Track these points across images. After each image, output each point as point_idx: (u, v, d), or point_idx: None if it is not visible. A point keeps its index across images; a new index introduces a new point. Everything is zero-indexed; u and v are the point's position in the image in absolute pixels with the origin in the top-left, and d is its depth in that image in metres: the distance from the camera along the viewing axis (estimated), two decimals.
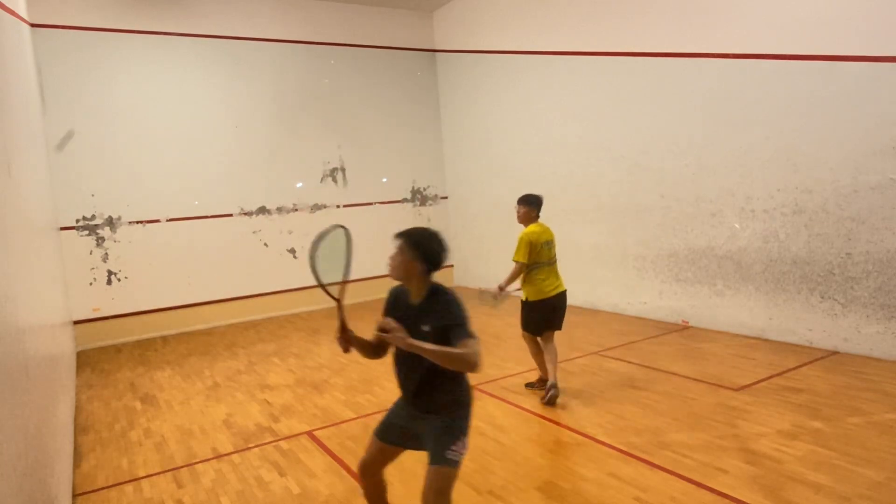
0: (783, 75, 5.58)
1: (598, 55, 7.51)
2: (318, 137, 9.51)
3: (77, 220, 7.76)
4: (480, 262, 9.99)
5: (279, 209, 9.19)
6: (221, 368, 6.37)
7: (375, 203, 10.08)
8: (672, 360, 5.50)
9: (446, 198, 10.84)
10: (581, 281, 7.93)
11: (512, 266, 4.62)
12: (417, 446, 2.50)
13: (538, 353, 4.78)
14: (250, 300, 8.94)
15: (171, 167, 8.31)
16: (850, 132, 5.15)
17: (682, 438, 3.85)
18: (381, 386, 5.35)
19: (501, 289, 4.60)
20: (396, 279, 2.48)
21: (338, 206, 9.71)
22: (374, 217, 9.96)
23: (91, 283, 7.84)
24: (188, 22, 8.43)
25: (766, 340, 5.93)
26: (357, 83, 9.85)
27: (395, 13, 10.20)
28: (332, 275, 2.51)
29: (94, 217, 7.85)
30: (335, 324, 2.54)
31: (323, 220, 9.51)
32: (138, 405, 5.34)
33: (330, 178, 9.65)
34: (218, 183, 8.69)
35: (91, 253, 7.84)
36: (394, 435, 2.56)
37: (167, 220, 8.33)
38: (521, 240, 4.57)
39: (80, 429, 4.82)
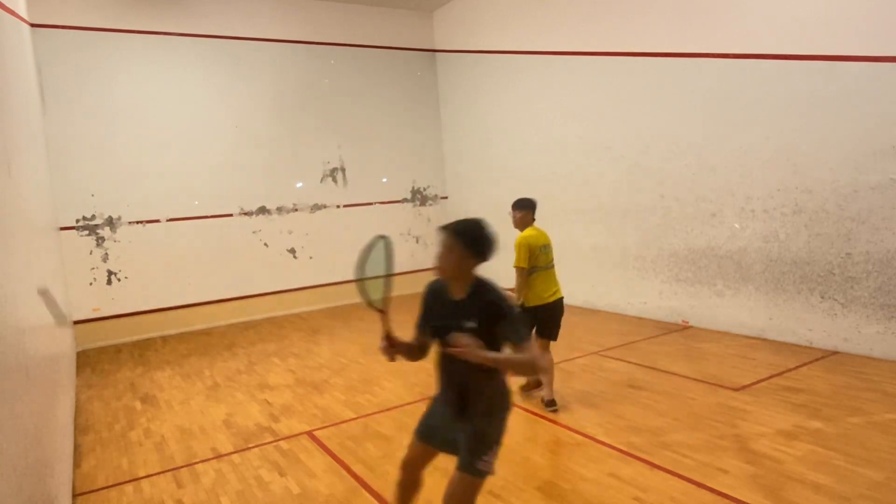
0: (783, 75, 5.58)
1: (598, 55, 7.51)
2: (318, 137, 9.51)
3: (77, 220, 7.76)
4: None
5: (279, 209, 9.19)
6: (221, 368, 6.37)
7: (375, 203, 10.08)
8: (672, 360, 5.50)
9: (446, 198, 10.84)
10: (581, 281, 7.94)
11: (513, 273, 4.45)
12: (453, 450, 2.40)
13: None
14: (250, 300, 8.94)
15: (171, 167, 8.31)
16: (850, 132, 5.15)
17: (682, 438, 3.85)
18: (381, 386, 5.35)
19: (518, 301, 4.42)
20: (447, 278, 2.35)
21: (338, 207, 9.71)
22: (374, 217, 9.97)
23: (91, 283, 7.84)
24: (188, 22, 8.43)
25: (766, 340, 5.93)
26: (357, 83, 9.85)
27: (395, 13, 10.20)
28: (375, 286, 2.44)
29: (94, 217, 7.86)
30: (379, 333, 2.44)
31: (323, 220, 9.53)
32: (138, 405, 5.34)
33: (330, 178, 9.65)
34: (218, 183, 8.69)
35: (91, 253, 7.85)
36: (432, 437, 2.49)
37: (167, 220, 8.33)
38: (518, 245, 4.41)
39: (80, 429, 4.82)
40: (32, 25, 7.29)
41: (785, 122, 5.61)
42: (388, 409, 4.77)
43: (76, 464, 4.13)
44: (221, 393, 5.53)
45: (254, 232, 8.99)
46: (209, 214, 8.65)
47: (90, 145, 7.77)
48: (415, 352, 2.49)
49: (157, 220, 8.27)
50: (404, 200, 10.40)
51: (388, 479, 3.55)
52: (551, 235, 4.69)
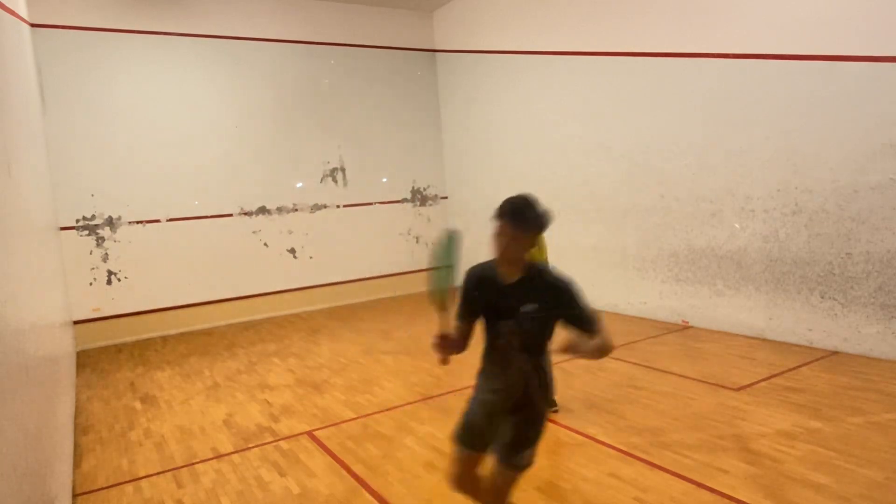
0: (783, 75, 5.58)
1: (598, 55, 7.51)
2: (318, 137, 9.51)
3: (77, 220, 7.76)
4: None
5: (279, 209, 9.19)
6: (221, 368, 6.37)
7: (375, 203, 10.08)
8: (672, 360, 5.50)
9: (446, 198, 10.83)
10: (580, 281, 7.87)
11: None
12: (497, 446, 2.31)
13: None
14: (250, 300, 8.94)
15: (171, 167, 8.31)
16: (850, 132, 5.15)
17: (682, 438, 3.85)
18: (381, 386, 5.35)
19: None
20: (510, 261, 2.22)
21: (338, 207, 9.70)
22: (374, 217, 9.96)
23: (91, 283, 7.84)
24: (188, 22, 8.43)
25: (766, 340, 5.93)
26: (357, 83, 9.85)
27: (395, 13, 10.20)
28: (443, 282, 2.36)
29: (94, 217, 7.86)
30: (435, 332, 2.33)
31: (323, 220, 9.53)
32: (138, 405, 5.34)
33: (330, 178, 9.65)
34: (218, 183, 8.69)
35: (91, 253, 7.84)
36: (479, 442, 2.34)
37: (167, 220, 8.33)
38: None
39: (80, 429, 4.81)
40: (32, 25, 7.29)
41: (785, 122, 5.61)
42: (388, 409, 4.78)
43: (76, 464, 4.13)
44: (221, 393, 5.53)
45: (254, 232, 8.99)
46: (209, 214, 8.64)
47: (90, 145, 7.77)
48: (462, 343, 2.37)
49: (158, 220, 8.27)
50: (404, 200, 10.40)
51: (388, 479, 3.56)
52: (550, 235, 4.66)
